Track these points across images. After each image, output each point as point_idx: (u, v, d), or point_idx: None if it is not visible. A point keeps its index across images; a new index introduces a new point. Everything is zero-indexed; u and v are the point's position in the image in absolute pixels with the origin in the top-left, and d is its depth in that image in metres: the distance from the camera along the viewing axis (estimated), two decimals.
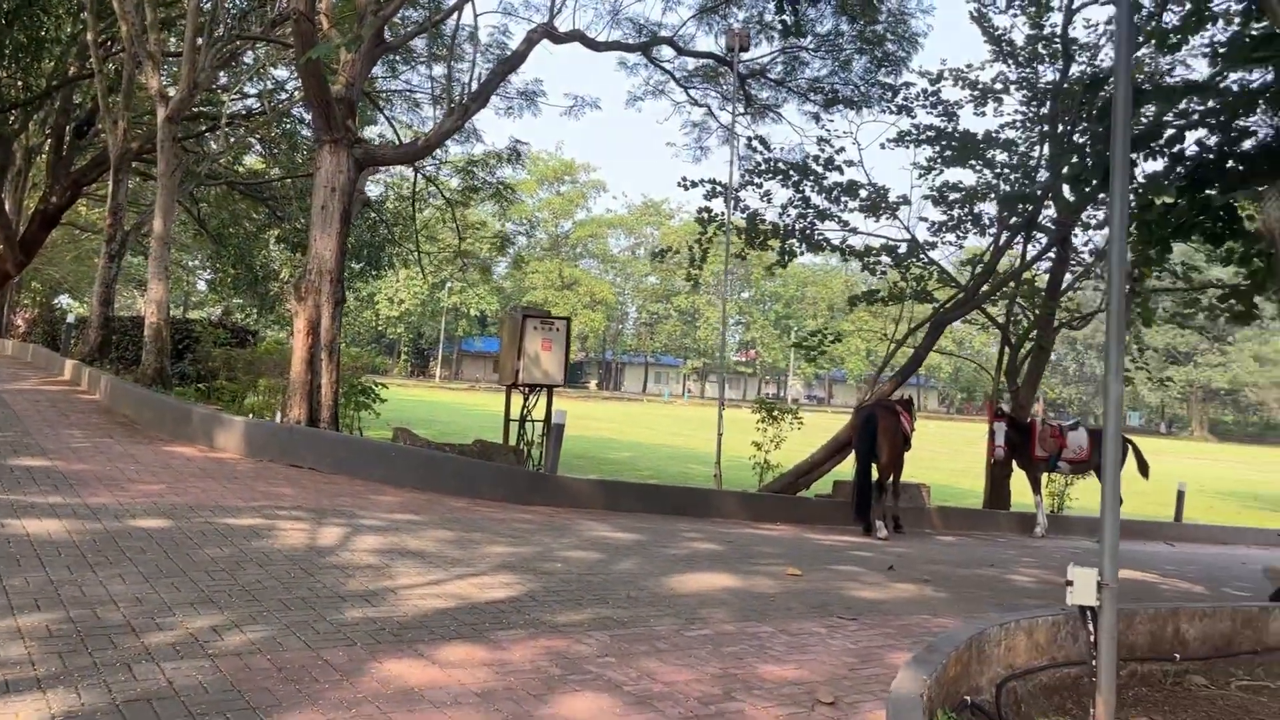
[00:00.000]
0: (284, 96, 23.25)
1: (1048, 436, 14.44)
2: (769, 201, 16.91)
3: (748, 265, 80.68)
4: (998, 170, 16.44)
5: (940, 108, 16.30)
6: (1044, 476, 15.26)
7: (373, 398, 14.91)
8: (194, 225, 28.79)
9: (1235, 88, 9.53)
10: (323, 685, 4.35)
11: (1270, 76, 9.41)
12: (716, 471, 14.73)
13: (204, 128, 23.54)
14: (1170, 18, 12.65)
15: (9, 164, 28.69)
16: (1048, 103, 15.91)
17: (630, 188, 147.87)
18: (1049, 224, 16.37)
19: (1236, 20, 10.98)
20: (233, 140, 23.26)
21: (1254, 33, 9.87)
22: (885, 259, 16.58)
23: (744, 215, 16.65)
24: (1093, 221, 16.67)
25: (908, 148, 16.38)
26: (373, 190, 24.66)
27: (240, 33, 17.37)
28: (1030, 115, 16.67)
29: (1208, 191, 9.55)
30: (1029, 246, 16.80)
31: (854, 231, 16.67)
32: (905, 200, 16.33)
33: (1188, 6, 10.35)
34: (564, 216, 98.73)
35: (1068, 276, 17.05)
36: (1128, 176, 4.77)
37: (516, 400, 13.74)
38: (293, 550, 6.85)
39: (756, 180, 16.68)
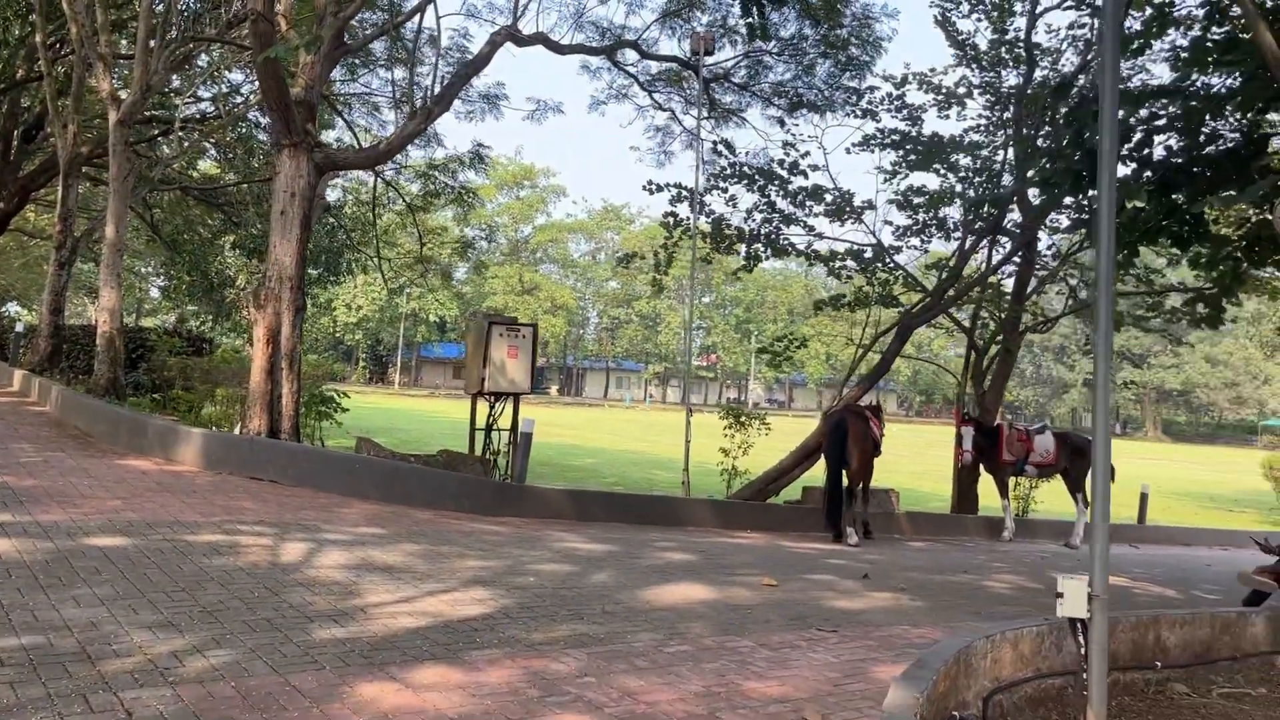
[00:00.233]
0: (239, 100, 22.83)
1: (1015, 441, 14.46)
2: (734, 206, 16.82)
3: (709, 270, 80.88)
4: (962, 174, 16.49)
5: (905, 112, 16.32)
6: (1010, 480, 15.27)
7: (334, 407, 14.61)
8: (147, 231, 28.16)
9: (1202, 92, 9.57)
10: (291, 713, 4.15)
11: (1236, 81, 9.45)
12: (685, 479, 14.59)
13: (157, 131, 23.03)
14: (1131, 23, 12.73)
15: None
16: (1011, 107, 15.99)
17: (590, 193, 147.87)
18: (1014, 228, 16.44)
19: (1198, 25, 11.07)
20: (186, 145, 22.78)
21: (1215, 37, 9.95)
22: (851, 264, 16.56)
23: (709, 220, 16.56)
24: (1057, 225, 16.79)
25: (873, 152, 16.40)
26: (331, 195, 24.26)
27: (194, 34, 16.98)
28: (994, 119, 16.75)
29: (1174, 196, 9.59)
30: (994, 251, 16.87)
31: (819, 236, 16.64)
32: (870, 205, 16.32)
33: (1148, 11, 10.39)
34: (524, 221, 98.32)
35: (1033, 281, 17.12)
36: (1114, 177, 4.69)
37: (482, 408, 13.52)
38: (255, 568, 6.62)
39: (722, 185, 16.60)
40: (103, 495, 8.57)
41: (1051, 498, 18.09)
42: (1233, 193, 8.80)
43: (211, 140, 24.10)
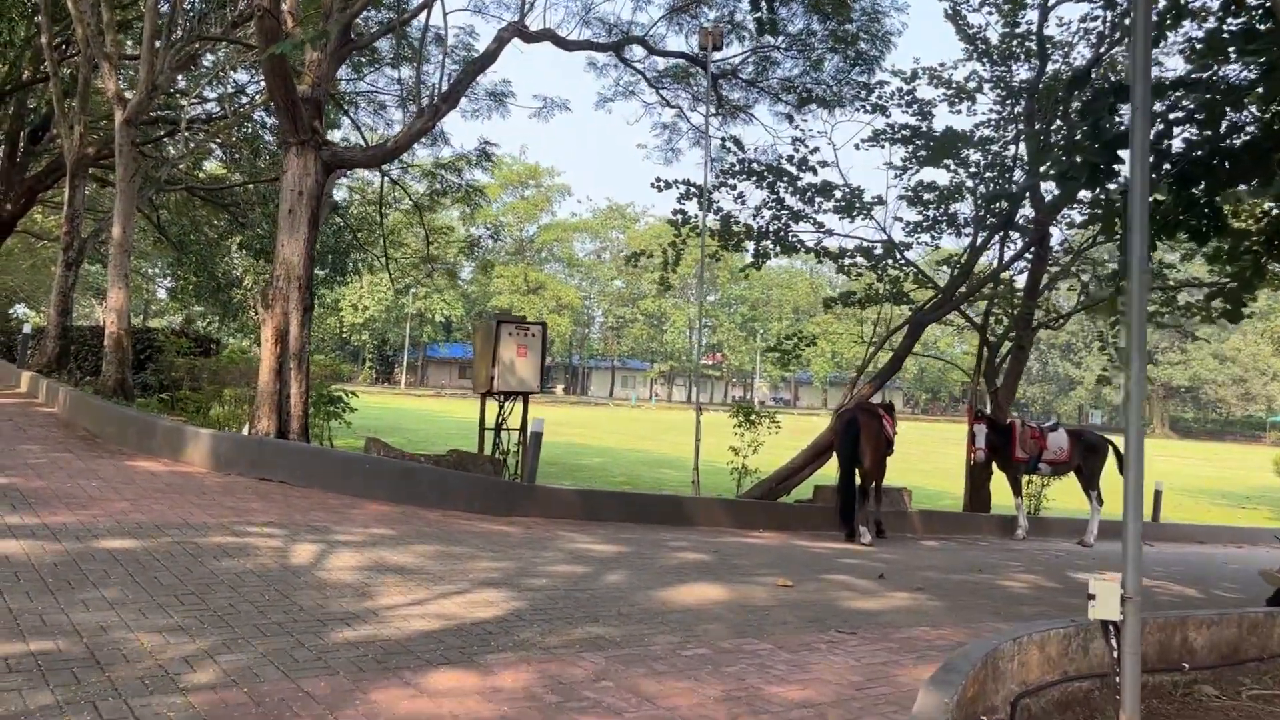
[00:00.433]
0: (245, 100, 22.77)
1: (1028, 438, 14.32)
2: (743, 203, 16.68)
3: (714, 269, 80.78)
4: (973, 170, 16.35)
5: (915, 106, 16.17)
6: (1023, 478, 15.13)
7: (343, 407, 14.51)
8: (154, 232, 28.15)
9: (1222, 85, 9.43)
10: None
11: (1253, 73, 9.32)
12: (695, 478, 14.48)
13: (163, 132, 22.99)
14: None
15: None
16: (1023, 101, 15.84)
17: (595, 192, 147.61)
18: (1026, 223, 16.30)
19: (1213, 17, 10.93)
20: (193, 145, 22.73)
21: (1231, 29, 9.81)
22: (861, 260, 16.43)
23: (718, 217, 16.45)
24: (1070, 219, 16.64)
25: (883, 147, 16.25)
26: (337, 195, 24.17)
27: (200, 33, 16.90)
28: (1005, 114, 16.60)
29: (1193, 190, 9.45)
30: (1005, 246, 16.73)
31: (829, 233, 16.51)
32: (880, 200, 16.19)
33: (1163, 3, 10.26)
34: (529, 221, 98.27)
35: (1045, 276, 16.97)
36: (1147, 168, 4.57)
37: (491, 408, 13.42)
38: (266, 570, 6.52)
39: (730, 182, 16.48)
40: (111, 497, 8.48)
41: (1063, 496, 17.96)
42: (1254, 185, 8.65)
43: (217, 141, 24.06)
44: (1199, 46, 11.13)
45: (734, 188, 16.52)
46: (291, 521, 8.31)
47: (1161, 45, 12.36)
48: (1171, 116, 9.70)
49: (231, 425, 13.34)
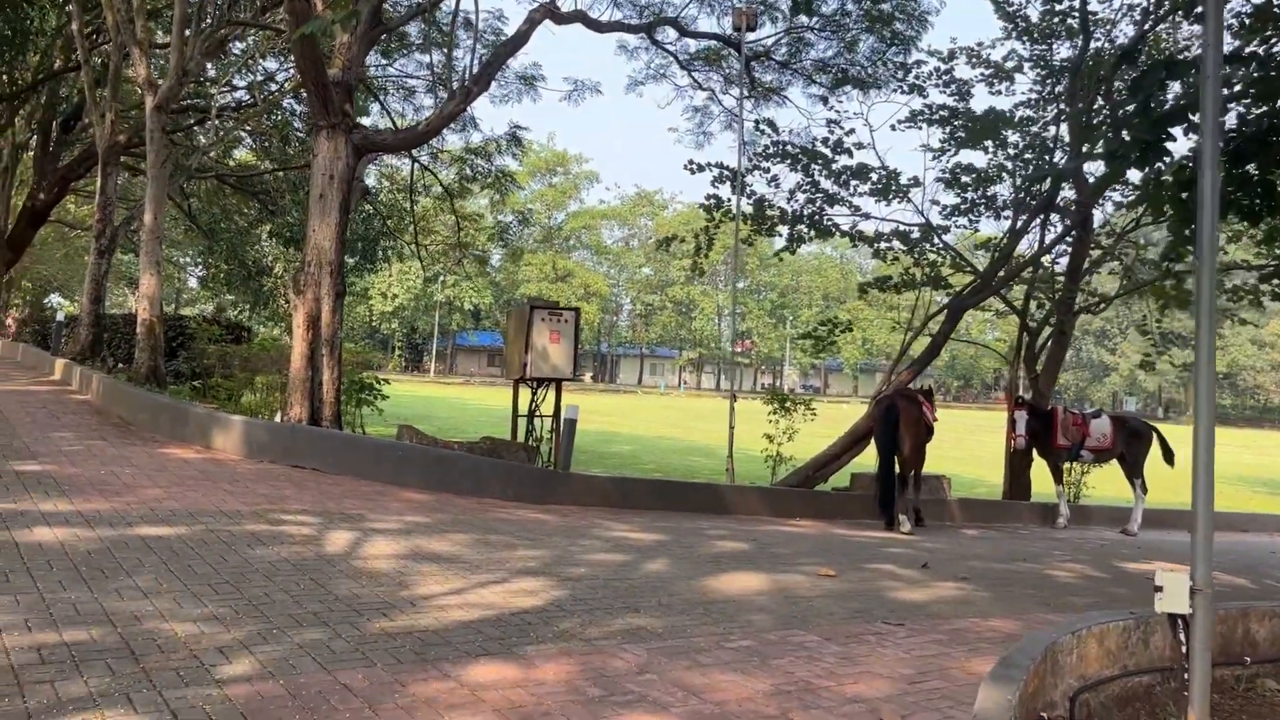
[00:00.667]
0: (274, 87, 22.75)
1: (1070, 425, 14.03)
2: (777, 186, 16.45)
3: (743, 255, 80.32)
4: (1012, 151, 16.01)
5: (953, 87, 15.84)
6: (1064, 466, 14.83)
7: (375, 394, 14.42)
8: (185, 220, 28.27)
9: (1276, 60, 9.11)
10: (343, 714, 3.93)
11: None
12: (729, 465, 14.30)
13: (193, 120, 23.03)
14: None
15: None
16: (1064, 80, 15.47)
17: (623, 179, 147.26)
18: (1067, 205, 15.95)
19: None
20: (222, 133, 22.74)
21: None
22: (897, 244, 16.16)
23: (751, 201, 16.23)
24: (1111, 202, 16.26)
25: (920, 128, 15.93)
26: (368, 181, 24.15)
27: (229, 19, 16.85)
28: (1045, 94, 16.24)
29: (1247, 167, 9.14)
30: (1046, 229, 16.38)
31: (865, 216, 16.23)
32: (917, 182, 15.89)
33: None
34: (557, 208, 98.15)
35: (1087, 260, 16.60)
36: (1217, 138, 4.35)
37: (524, 394, 13.29)
38: (301, 559, 6.42)
39: (764, 165, 16.24)
40: (144, 484, 8.43)
41: (1103, 483, 17.63)
42: None
43: (247, 128, 24.07)
44: (1248, 21, 10.80)
45: (768, 171, 16.30)
46: (325, 509, 8.22)
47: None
48: (1224, 92, 9.40)
49: (263, 413, 13.29)
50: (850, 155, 15.68)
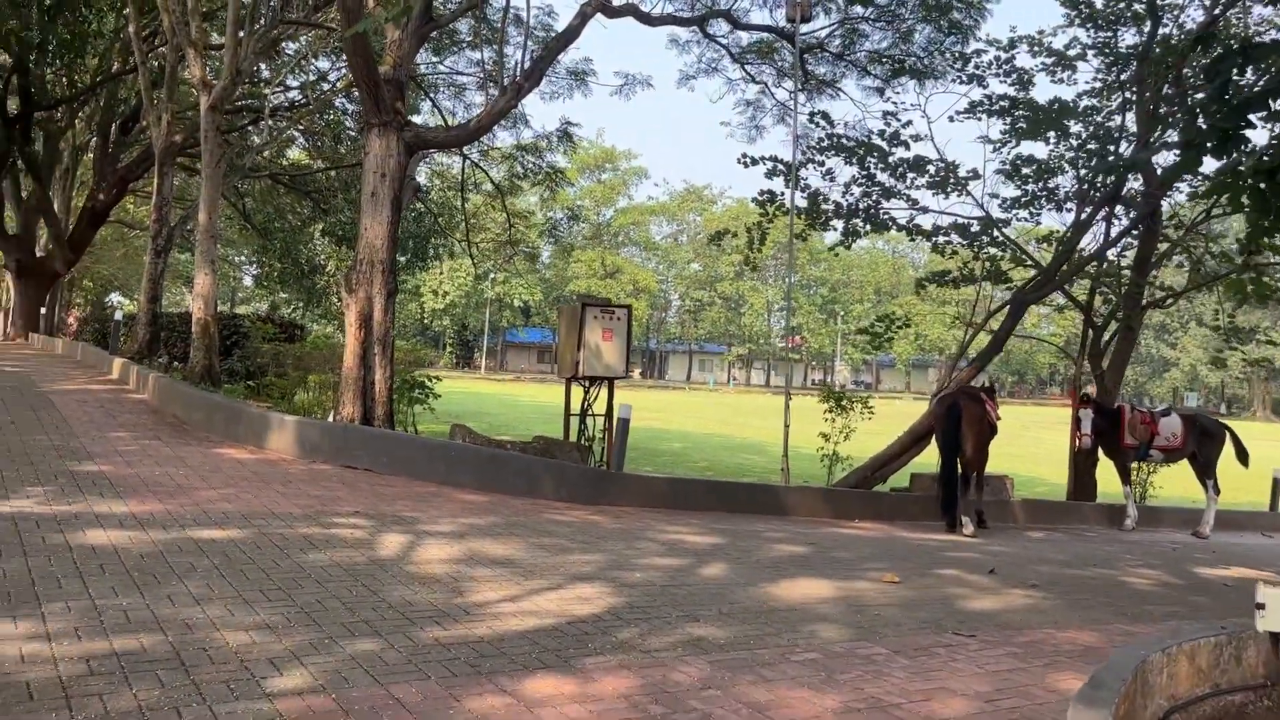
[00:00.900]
0: (327, 86, 22.88)
1: (1138, 423, 13.57)
2: (831, 180, 16.13)
3: (795, 249, 79.72)
4: (1075, 142, 15.53)
5: (1014, 76, 15.40)
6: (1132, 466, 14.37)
7: (427, 393, 14.37)
8: (239, 220, 28.61)
9: None
10: None
11: None
12: (784, 465, 14.02)
13: (247, 121, 23.25)
14: None
15: (56, 162, 28.70)
16: (1131, 68, 14.96)
17: (672, 174, 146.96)
18: (1134, 196, 15.45)
19: None
20: (276, 133, 22.92)
21: None
22: (956, 238, 15.77)
23: (805, 195, 15.93)
24: (1181, 193, 15.71)
25: (979, 119, 15.52)
26: (419, 179, 24.21)
27: (282, 18, 16.91)
28: (1109, 82, 15.73)
29: None
30: (1111, 222, 15.88)
31: (923, 210, 15.86)
32: (976, 175, 15.48)
33: None
34: (605, 204, 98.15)
35: (1155, 253, 16.07)
36: None
37: (576, 393, 13.15)
38: (354, 564, 6.30)
39: (818, 158, 15.94)
40: (198, 485, 8.39)
41: (1171, 484, 17.10)
42: None
43: (300, 128, 24.24)
44: None
45: (822, 164, 15.99)
46: (378, 511, 8.12)
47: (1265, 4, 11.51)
48: None
49: (316, 412, 13.29)
50: (907, 147, 15.34)
